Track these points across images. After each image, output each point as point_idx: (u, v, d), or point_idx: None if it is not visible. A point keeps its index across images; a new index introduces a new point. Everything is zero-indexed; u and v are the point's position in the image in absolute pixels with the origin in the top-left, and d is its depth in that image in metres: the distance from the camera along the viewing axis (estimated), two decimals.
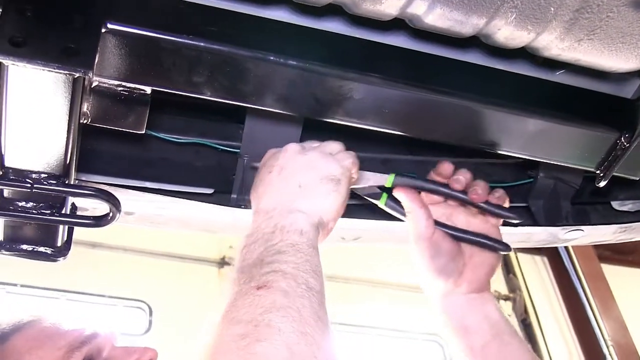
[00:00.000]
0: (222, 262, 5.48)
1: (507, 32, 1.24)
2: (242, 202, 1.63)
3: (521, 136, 1.53)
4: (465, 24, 1.24)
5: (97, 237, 5.09)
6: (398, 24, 1.33)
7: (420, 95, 1.43)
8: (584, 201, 1.98)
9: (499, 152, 1.55)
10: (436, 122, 1.50)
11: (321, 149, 1.50)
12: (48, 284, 5.14)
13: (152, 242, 5.37)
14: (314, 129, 1.60)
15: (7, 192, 1.35)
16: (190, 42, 1.30)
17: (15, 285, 5.07)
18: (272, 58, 1.33)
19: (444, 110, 1.47)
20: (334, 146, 1.52)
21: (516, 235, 1.90)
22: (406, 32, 1.44)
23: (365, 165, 1.56)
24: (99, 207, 1.53)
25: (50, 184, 1.33)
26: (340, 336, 5.78)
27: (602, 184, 1.59)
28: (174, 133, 1.66)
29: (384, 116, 1.44)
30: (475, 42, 1.36)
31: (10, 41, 1.15)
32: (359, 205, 1.71)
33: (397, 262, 5.24)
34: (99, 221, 1.39)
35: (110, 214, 1.38)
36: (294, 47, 1.36)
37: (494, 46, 1.32)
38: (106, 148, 1.58)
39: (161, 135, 1.61)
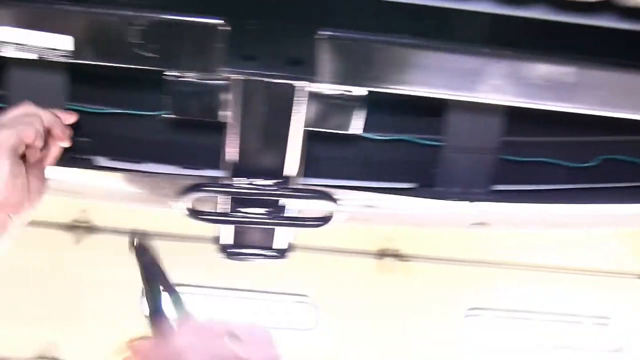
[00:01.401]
0: (381, 254, 5.49)
1: None
2: (450, 195, 1.65)
3: None
4: None
5: None
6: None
7: None
8: None
9: None
10: None
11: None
12: (216, 283, 5.29)
13: (313, 237, 5.45)
14: (521, 119, 1.60)
15: (236, 199, 1.41)
16: (400, 41, 1.32)
17: (186, 285, 5.25)
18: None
19: None
20: (15, 110, 1.42)
21: None
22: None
23: None
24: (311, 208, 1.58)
25: (277, 189, 1.39)
26: (502, 322, 5.72)
27: None
28: (374, 131, 1.70)
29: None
30: None
31: (242, 56, 1.20)
32: None
33: (558, 244, 5.13)
34: (323, 222, 1.43)
35: (333, 214, 1.43)
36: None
37: None
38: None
39: (367, 135, 1.64)
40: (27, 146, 1.38)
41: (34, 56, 1.33)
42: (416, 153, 1.74)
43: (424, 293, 5.51)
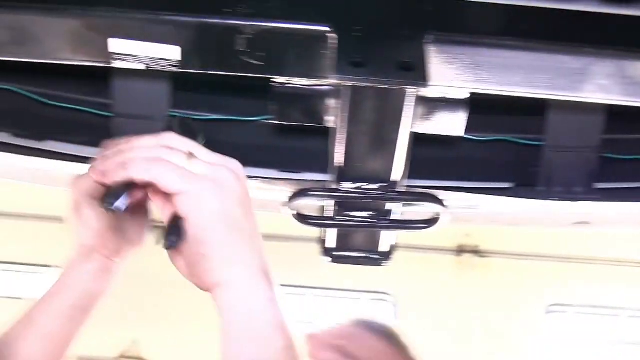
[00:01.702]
0: (460, 251, 5.48)
1: None
2: (552, 194, 1.63)
3: None
4: None
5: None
6: None
7: None
8: None
9: None
10: None
11: None
12: (293, 282, 5.33)
13: None
14: (621, 116, 1.58)
15: (342, 203, 1.43)
16: (507, 43, 1.32)
17: None
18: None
19: None
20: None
21: None
22: None
23: None
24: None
25: (382, 193, 1.39)
26: (584, 319, 5.64)
27: None
28: (473, 132, 1.69)
29: None
30: None
31: (351, 63, 1.21)
32: None
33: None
34: (429, 224, 1.44)
35: (439, 216, 1.43)
36: None
37: None
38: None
39: (467, 135, 1.63)
40: None
41: (142, 67, 1.36)
42: (515, 153, 1.73)
43: (503, 289, 5.47)
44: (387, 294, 5.28)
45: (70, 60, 1.33)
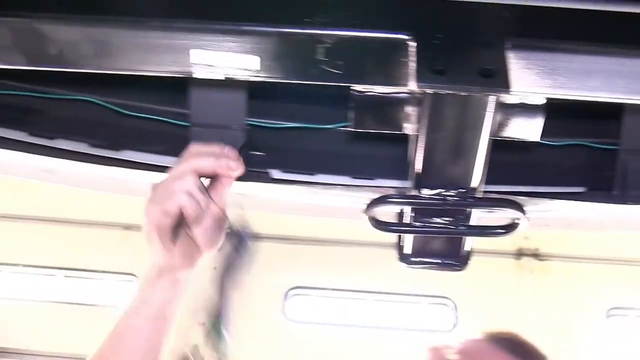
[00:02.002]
0: (519, 254, 5.42)
1: None
2: (628, 198, 1.62)
3: None
4: None
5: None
6: None
7: None
8: None
9: None
10: None
11: None
12: (347, 286, 5.33)
13: None
14: None
15: (421, 210, 1.43)
16: (586, 48, 1.31)
17: (320, 289, 5.32)
18: None
19: None
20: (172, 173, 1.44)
21: None
22: None
23: None
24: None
25: (462, 199, 1.39)
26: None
27: None
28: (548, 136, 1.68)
29: None
30: None
31: (432, 70, 1.22)
32: None
33: None
34: (507, 229, 1.43)
35: (517, 222, 1.42)
36: None
37: None
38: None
39: (542, 140, 1.63)
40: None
41: (221, 77, 1.38)
42: (589, 157, 1.72)
43: (563, 293, 5.40)
44: (447, 298, 5.25)
45: (153, 71, 1.36)
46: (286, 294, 5.23)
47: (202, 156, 1.40)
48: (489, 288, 5.20)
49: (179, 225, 1.40)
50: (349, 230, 4.73)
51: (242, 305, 4.83)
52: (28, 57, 1.37)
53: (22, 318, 5.04)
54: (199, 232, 1.40)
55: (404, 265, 1.61)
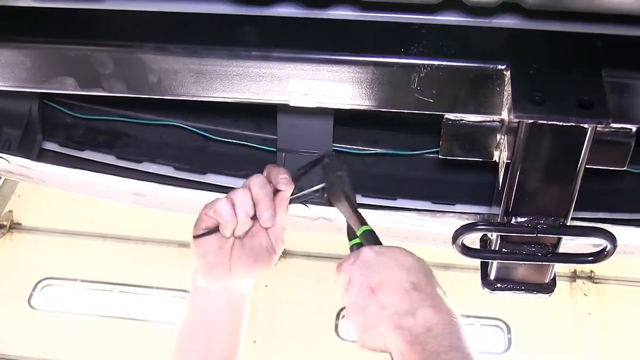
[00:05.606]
0: (574, 276, 5.37)
1: None
2: None
3: None
4: None
5: (449, 258, 5.22)
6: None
7: None
8: None
9: None
10: None
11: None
12: None
13: None
14: None
15: (511, 237, 1.44)
16: None
17: None
18: None
19: None
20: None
21: None
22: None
23: None
24: None
25: (552, 228, 1.40)
26: None
27: None
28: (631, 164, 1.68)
29: None
30: None
31: (530, 100, 1.22)
32: None
33: None
34: (597, 257, 1.43)
35: (607, 249, 1.42)
36: None
37: None
38: None
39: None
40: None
41: (313, 104, 1.40)
42: None
43: (618, 316, 5.34)
44: (500, 320, 5.21)
45: (252, 99, 1.38)
46: None
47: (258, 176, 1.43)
48: (543, 310, 5.16)
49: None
50: None
51: None
52: (128, 85, 1.40)
53: (78, 332, 5.11)
54: (247, 246, 1.43)
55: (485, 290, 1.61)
